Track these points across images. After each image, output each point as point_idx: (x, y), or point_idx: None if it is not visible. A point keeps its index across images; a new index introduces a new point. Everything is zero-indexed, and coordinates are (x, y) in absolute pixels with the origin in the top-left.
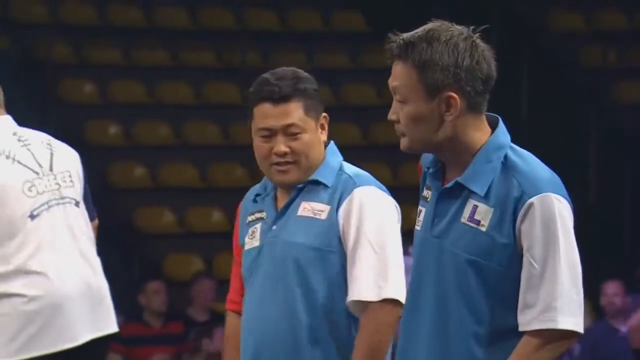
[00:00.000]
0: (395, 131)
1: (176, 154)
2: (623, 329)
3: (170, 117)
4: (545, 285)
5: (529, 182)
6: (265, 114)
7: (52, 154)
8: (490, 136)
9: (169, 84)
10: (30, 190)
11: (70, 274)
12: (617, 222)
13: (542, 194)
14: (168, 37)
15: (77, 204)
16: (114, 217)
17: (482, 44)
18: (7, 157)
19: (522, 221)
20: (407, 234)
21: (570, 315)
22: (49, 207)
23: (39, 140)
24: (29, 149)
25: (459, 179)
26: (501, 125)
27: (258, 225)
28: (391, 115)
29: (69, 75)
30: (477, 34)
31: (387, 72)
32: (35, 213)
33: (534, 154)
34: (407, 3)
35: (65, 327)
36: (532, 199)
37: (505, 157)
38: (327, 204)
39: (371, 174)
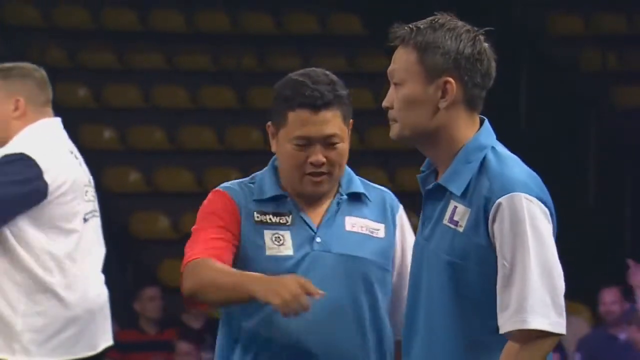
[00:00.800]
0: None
1: (171, 158)
2: (622, 336)
3: (165, 122)
4: (516, 285)
5: (499, 183)
6: (305, 122)
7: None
8: (473, 136)
9: (164, 88)
10: (86, 195)
11: (98, 283)
12: (616, 227)
13: (510, 194)
14: (163, 41)
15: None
16: (109, 223)
17: (484, 41)
18: (76, 157)
19: (492, 221)
20: None
21: (542, 315)
22: (93, 215)
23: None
24: (79, 156)
25: (439, 180)
26: (486, 126)
27: (285, 233)
28: (385, 102)
29: (63, 79)
30: (480, 32)
31: (385, 76)
32: (86, 217)
33: (533, 157)
34: (405, 6)
35: (93, 335)
36: (500, 199)
37: (484, 157)
38: (381, 222)
39: (367, 178)
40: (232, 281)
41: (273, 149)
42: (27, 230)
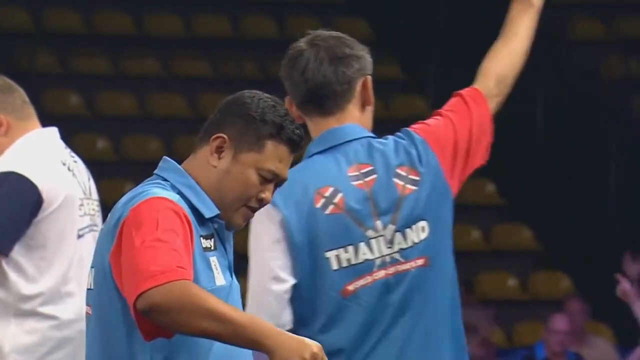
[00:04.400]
0: None
1: None
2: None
3: (161, 131)
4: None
5: None
6: (281, 158)
7: (89, 179)
8: None
9: (160, 95)
10: (80, 209)
11: None
12: (637, 236)
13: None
14: (159, 46)
15: None
16: None
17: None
18: (69, 169)
19: None
20: None
21: None
22: (90, 230)
23: (79, 160)
24: (77, 167)
25: None
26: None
27: (215, 259)
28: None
29: (54, 86)
30: None
31: (395, 83)
32: (81, 233)
33: (551, 165)
34: (413, 9)
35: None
36: None
37: None
38: None
39: None
40: (236, 318)
41: (215, 163)
42: (17, 250)
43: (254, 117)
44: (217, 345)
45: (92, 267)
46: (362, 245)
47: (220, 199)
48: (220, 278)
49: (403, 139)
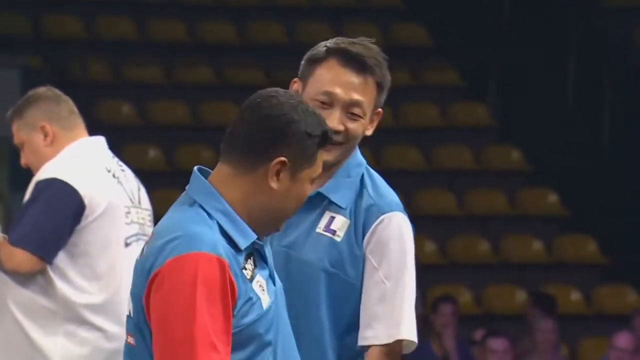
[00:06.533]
0: (459, 157)
1: None
2: None
3: (214, 140)
4: (395, 299)
5: (381, 200)
6: (320, 159)
7: (139, 188)
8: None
9: (213, 104)
10: (126, 217)
11: None
12: None
13: (393, 212)
14: (213, 54)
15: None
16: None
17: None
18: (113, 176)
19: (372, 235)
20: None
21: (411, 327)
22: (138, 239)
23: (128, 169)
24: (125, 176)
25: (320, 189)
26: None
27: (259, 278)
28: (339, 126)
29: (106, 96)
30: None
31: (453, 90)
32: (128, 241)
33: (617, 173)
34: (473, 15)
35: None
36: (384, 216)
37: (363, 174)
38: None
39: (433, 201)
40: None
41: (275, 186)
42: (61, 257)
43: (309, 133)
44: None
45: (131, 292)
46: None
47: (275, 216)
48: (266, 298)
49: None
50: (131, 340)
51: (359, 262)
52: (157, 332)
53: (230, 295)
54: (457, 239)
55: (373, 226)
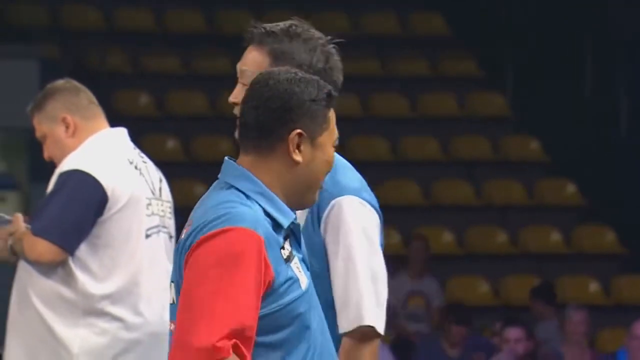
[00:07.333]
0: (477, 147)
1: None
2: None
3: (233, 131)
4: (350, 284)
5: (335, 186)
6: (334, 121)
7: (160, 180)
8: None
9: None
10: (147, 208)
11: (161, 305)
12: None
13: (343, 196)
14: (230, 44)
15: (171, 238)
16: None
17: (336, 55)
18: (135, 167)
19: (326, 220)
20: None
21: (375, 315)
22: (158, 231)
23: (149, 160)
24: (146, 167)
25: None
26: None
27: (295, 260)
28: (232, 98)
29: (124, 86)
30: (333, 46)
31: (470, 80)
32: (149, 233)
33: (636, 166)
34: (491, 3)
35: None
36: (334, 201)
37: None
38: None
39: (451, 192)
40: None
41: (299, 158)
42: (83, 248)
43: (313, 99)
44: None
45: (172, 281)
46: None
47: (309, 187)
48: (304, 279)
49: None
50: (171, 326)
51: (321, 252)
52: (184, 294)
53: (265, 273)
54: (475, 230)
55: (326, 213)
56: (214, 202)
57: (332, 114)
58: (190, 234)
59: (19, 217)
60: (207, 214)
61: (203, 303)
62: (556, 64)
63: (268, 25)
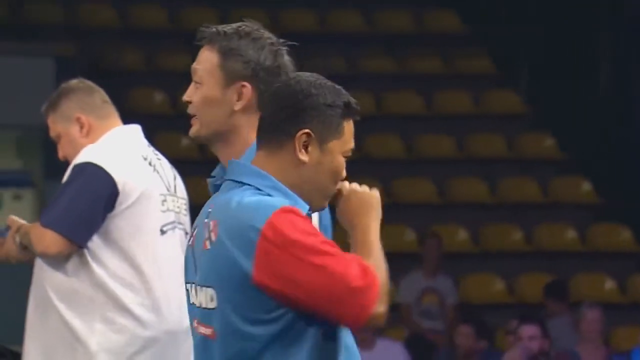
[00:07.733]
0: (492, 145)
1: None
2: None
3: None
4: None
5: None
6: (352, 133)
7: (175, 177)
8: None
9: None
10: (162, 204)
11: (179, 302)
12: None
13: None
14: None
15: (187, 234)
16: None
17: (286, 56)
18: (150, 164)
19: None
20: None
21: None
22: (174, 228)
23: (164, 158)
24: (161, 164)
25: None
26: None
27: None
28: (186, 97)
29: (139, 84)
30: (283, 46)
31: (485, 78)
32: (164, 229)
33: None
34: (506, 2)
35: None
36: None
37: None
38: None
39: (466, 190)
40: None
41: (305, 158)
42: (98, 243)
43: (329, 104)
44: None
45: (204, 285)
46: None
47: (315, 190)
48: None
49: None
50: (206, 331)
51: None
52: (298, 290)
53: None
54: (490, 227)
55: None
56: (238, 198)
57: (349, 126)
58: (230, 237)
59: (13, 217)
60: (243, 211)
61: (333, 264)
62: (571, 61)
63: (220, 26)
